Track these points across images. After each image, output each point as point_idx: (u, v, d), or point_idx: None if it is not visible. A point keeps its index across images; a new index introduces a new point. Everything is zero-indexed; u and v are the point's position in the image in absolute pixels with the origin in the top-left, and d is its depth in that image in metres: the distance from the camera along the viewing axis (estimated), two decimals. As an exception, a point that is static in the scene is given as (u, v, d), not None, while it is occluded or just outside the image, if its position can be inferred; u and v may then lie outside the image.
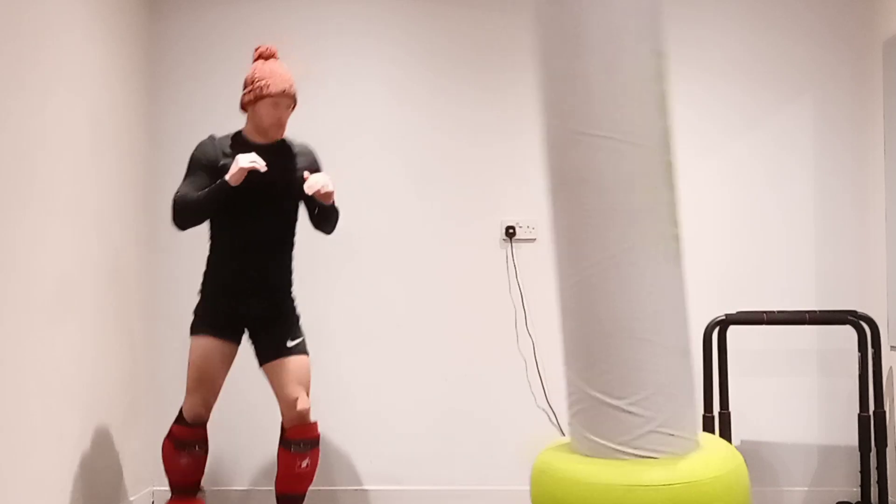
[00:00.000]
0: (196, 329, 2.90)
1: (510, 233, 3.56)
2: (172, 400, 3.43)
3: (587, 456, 2.01)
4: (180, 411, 2.92)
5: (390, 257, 3.61)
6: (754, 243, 3.55)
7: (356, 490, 3.55)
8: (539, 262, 3.55)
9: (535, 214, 3.56)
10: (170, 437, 2.92)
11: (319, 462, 3.20)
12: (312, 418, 2.92)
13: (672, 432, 1.93)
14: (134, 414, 3.47)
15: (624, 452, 1.93)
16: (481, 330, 3.59)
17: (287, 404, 2.84)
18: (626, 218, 1.91)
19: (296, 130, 3.49)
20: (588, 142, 1.91)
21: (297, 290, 3.18)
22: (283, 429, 2.88)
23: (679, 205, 1.98)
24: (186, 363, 3.27)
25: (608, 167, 1.91)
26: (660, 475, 1.86)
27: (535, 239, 3.57)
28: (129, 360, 3.43)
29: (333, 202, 2.85)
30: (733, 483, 1.92)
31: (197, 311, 2.93)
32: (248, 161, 2.72)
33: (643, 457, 1.92)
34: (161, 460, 3.02)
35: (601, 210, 1.91)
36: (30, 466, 2.66)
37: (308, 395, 2.89)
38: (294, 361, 2.87)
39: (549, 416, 3.53)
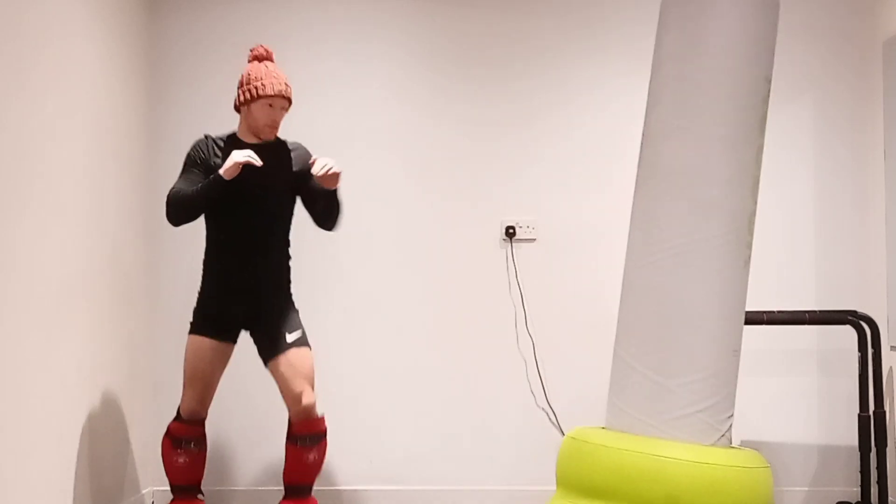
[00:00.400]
0: (192, 328, 2.94)
1: (510, 233, 3.57)
2: (172, 400, 3.43)
3: (623, 432, 2.09)
4: (178, 409, 2.96)
5: (390, 257, 3.62)
6: (755, 243, 3.46)
7: (356, 490, 3.56)
8: (539, 262, 3.60)
9: (534, 215, 3.59)
10: (167, 434, 2.95)
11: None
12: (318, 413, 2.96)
13: (711, 421, 2.01)
14: (133, 414, 3.47)
15: (662, 431, 2.00)
16: (481, 330, 3.60)
17: (292, 399, 2.86)
18: (709, 211, 2.02)
19: (297, 130, 3.49)
20: (689, 137, 2.04)
21: (296, 290, 3.17)
22: (289, 423, 2.90)
23: (755, 220, 2.10)
24: (178, 366, 3.27)
25: (704, 164, 2.04)
26: (690, 454, 1.93)
27: (534, 239, 3.58)
28: (129, 360, 3.44)
29: (337, 193, 2.86)
30: (760, 479, 1.98)
31: (195, 311, 2.97)
32: (244, 156, 2.73)
33: (680, 439, 1.99)
34: (161, 460, 3.04)
35: (688, 201, 2.03)
36: (29, 467, 2.67)
37: (313, 388, 2.91)
38: (295, 355, 2.89)
39: (548, 415, 3.54)
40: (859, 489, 3.37)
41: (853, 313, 3.24)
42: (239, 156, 2.73)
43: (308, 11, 3.66)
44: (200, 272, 3.35)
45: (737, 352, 2.08)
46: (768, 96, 2.11)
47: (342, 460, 3.56)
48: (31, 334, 2.69)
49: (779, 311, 3.25)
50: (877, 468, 3.22)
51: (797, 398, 3.54)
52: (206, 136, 2.99)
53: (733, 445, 2.18)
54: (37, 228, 2.74)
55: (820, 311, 3.31)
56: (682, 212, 2.02)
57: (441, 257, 3.61)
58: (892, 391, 3.34)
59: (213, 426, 3.43)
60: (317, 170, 2.77)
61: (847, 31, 3.56)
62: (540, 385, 3.54)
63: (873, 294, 3.49)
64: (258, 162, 2.73)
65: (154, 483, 3.56)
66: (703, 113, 2.04)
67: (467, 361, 3.59)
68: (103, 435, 3.20)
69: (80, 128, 3.07)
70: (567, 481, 2.11)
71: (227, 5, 3.66)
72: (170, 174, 3.52)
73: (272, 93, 2.86)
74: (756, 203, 2.07)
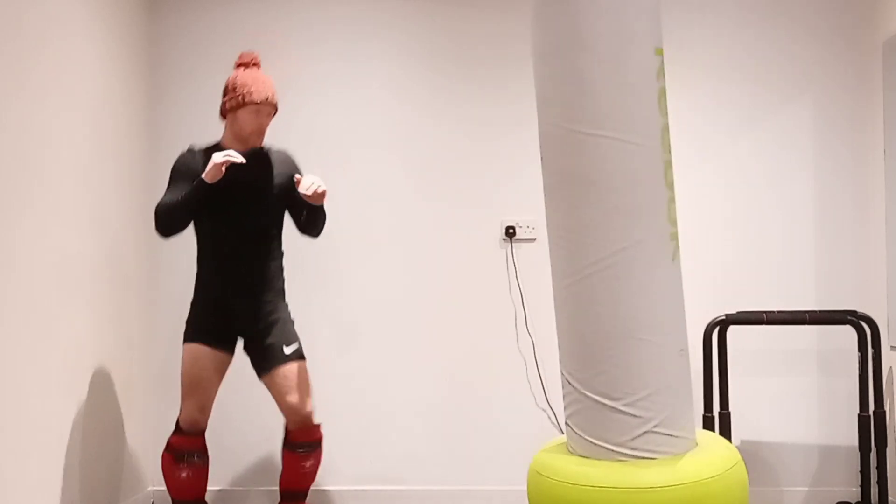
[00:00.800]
0: (187, 337, 2.92)
1: (510, 233, 3.58)
2: (170, 400, 3.47)
3: (584, 457, 2.00)
4: (177, 422, 2.93)
5: (391, 257, 3.63)
6: (754, 243, 3.57)
7: (356, 490, 3.57)
8: (539, 262, 3.57)
9: (534, 215, 3.57)
10: (168, 448, 2.91)
11: (322, 461, 3.22)
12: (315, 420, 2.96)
13: (669, 432, 1.92)
14: (133, 414, 3.49)
15: (621, 453, 1.92)
16: (481, 330, 3.61)
17: (291, 410, 2.87)
18: (626, 217, 1.89)
19: (297, 131, 3.59)
20: (587, 140, 1.88)
21: (298, 289, 3.20)
22: (286, 431, 2.90)
23: (675, 203, 1.96)
24: (178, 365, 3.26)
25: (608, 166, 1.88)
26: (658, 477, 1.86)
27: (535, 239, 3.59)
28: (128, 359, 3.45)
29: (322, 204, 2.87)
30: (732, 483, 1.92)
31: (188, 319, 2.95)
32: (223, 156, 2.71)
33: (640, 457, 1.92)
34: (160, 466, 3.02)
35: (600, 209, 1.89)
36: (28, 466, 2.67)
37: (310, 397, 2.92)
38: (293, 368, 2.89)
39: (548, 415, 3.55)
40: (859, 489, 3.36)
41: (853, 313, 3.23)
42: (218, 157, 2.71)
43: (308, 12, 3.67)
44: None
45: (683, 350, 1.98)
46: (662, 68, 1.95)
47: (343, 461, 3.57)
48: (30, 332, 2.71)
49: (778, 311, 3.25)
50: (877, 468, 3.22)
51: (797, 398, 3.54)
52: (190, 148, 2.98)
53: (703, 438, 2.12)
54: (36, 227, 2.75)
55: (820, 311, 3.31)
56: (596, 221, 1.90)
57: (441, 257, 3.62)
58: (892, 391, 3.33)
59: (212, 426, 3.38)
60: (303, 188, 2.77)
61: (847, 31, 3.56)
62: (540, 385, 3.55)
63: (873, 294, 3.49)
64: (239, 159, 2.71)
65: (154, 483, 3.57)
66: (594, 109, 1.88)
67: (467, 361, 3.60)
68: (102, 434, 3.21)
69: (80, 127, 3.09)
70: None
71: (226, 6, 3.67)
72: (168, 172, 3.48)
73: (259, 99, 2.85)
74: (672, 189, 1.95)
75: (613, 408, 1.92)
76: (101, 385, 3.21)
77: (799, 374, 3.55)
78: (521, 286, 3.59)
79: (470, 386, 3.59)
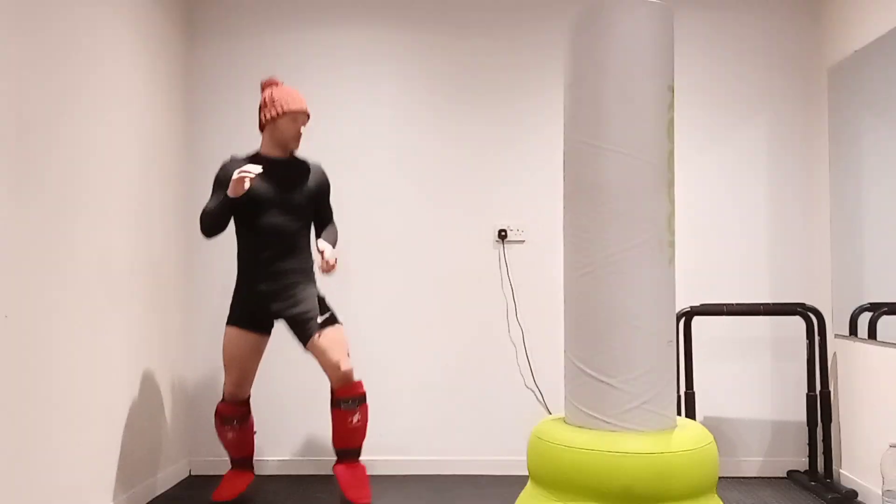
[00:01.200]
0: (228, 321, 3.11)
1: (502, 235, 3.67)
2: (205, 380, 3.68)
3: (579, 427, 2.09)
4: (223, 392, 3.17)
5: (397, 256, 3.70)
6: (716, 244, 3.65)
7: (369, 460, 3.66)
8: (527, 260, 3.69)
9: (524, 219, 3.70)
10: (216, 413, 3.15)
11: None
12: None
13: (655, 410, 2.03)
14: (171, 395, 3.57)
15: (613, 424, 2.03)
16: (477, 320, 3.68)
17: (332, 368, 2.96)
18: (632, 222, 2.02)
19: (316, 142, 3.70)
20: (604, 154, 2.04)
21: (319, 286, 3.30)
22: (332, 391, 3.02)
23: (674, 221, 2.08)
24: (220, 348, 3.49)
25: (621, 177, 2.02)
26: (643, 445, 1.93)
27: (524, 241, 3.69)
28: (168, 347, 3.54)
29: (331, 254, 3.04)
30: (706, 457, 1.99)
31: (230, 306, 3.12)
32: (239, 173, 2.80)
33: (629, 429, 2.02)
34: (197, 435, 3.21)
35: (610, 213, 2.02)
36: (82, 441, 2.78)
37: (348, 357, 3.02)
38: (330, 332, 2.99)
39: (535, 395, 3.65)
40: (807, 459, 3.55)
41: (802, 305, 3.38)
42: (236, 173, 2.83)
43: (325, 42, 3.75)
44: (232, 272, 3.51)
45: (671, 341, 2.07)
46: (673, 103, 2.10)
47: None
48: (83, 323, 2.80)
49: (736, 304, 3.38)
50: (822, 441, 3.39)
51: (753, 380, 3.63)
52: (232, 157, 3.08)
53: (681, 421, 2.21)
54: (88, 230, 2.84)
55: (773, 304, 3.40)
56: (607, 224, 2.03)
57: (442, 256, 3.69)
58: (836, 374, 3.45)
59: (265, 402, 3.65)
60: (321, 264, 2.97)
61: (796, 60, 3.65)
62: (528, 368, 3.64)
63: (819, 288, 3.60)
64: (256, 171, 2.81)
65: (190, 455, 3.72)
66: (614, 130, 2.03)
67: (465, 348, 3.65)
68: (144, 412, 3.29)
69: (127, 144, 3.14)
70: (536, 476, 2.12)
71: (254, 37, 3.76)
72: (204, 183, 3.73)
73: (297, 108, 3.01)
74: (673, 204, 2.08)
75: (609, 384, 2.02)
76: (145, 370, 3.29)
77: (754, 359, 3.64)
78: (511, 282, 3.68)
79: (467, 369, 3.65)
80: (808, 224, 3.67)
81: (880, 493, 3.01)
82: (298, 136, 3.09)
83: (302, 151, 3.78)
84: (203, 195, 3.80)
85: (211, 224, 2.97)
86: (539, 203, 3.73)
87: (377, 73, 3.77)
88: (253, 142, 3.80)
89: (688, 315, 3.37)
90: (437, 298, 3.70)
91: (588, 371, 2.06)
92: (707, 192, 3.69)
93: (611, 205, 2.04)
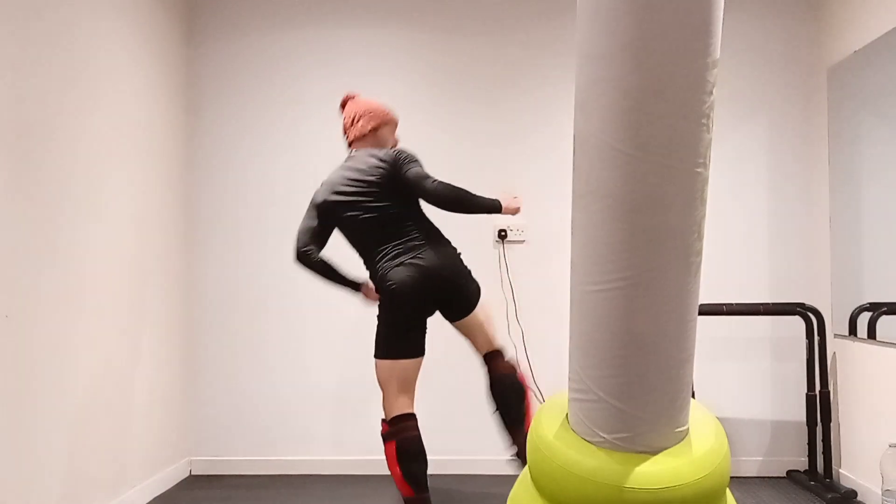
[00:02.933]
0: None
1: (502, 235, 3.70)
2: (206, 380, 3.70)
3: (585, 440, 1.93)
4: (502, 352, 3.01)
5: None
6: (716, 244, 3.62)
7: (372, 459, 3.64)
8: (527, 261, 3.71)
9: (524, 219, 3.69)
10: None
11: (340, 436, 3.42)
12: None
13: (669, 430, 1.87)
14: (174, 394, 3.61)
15: (621, 447, 1.86)
16: None
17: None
18: (660, 237, 1.67)
19: (315, 138, 3.70)
20: (624, 158, 1.63)
21: (318, 284, 3.28)
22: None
23: (705, 222, 1.75)
24: (221, 347, 3.49)
25: (645, 188, 1.64)
26: (653, 477, 1.81)
27: (524, 241, 3.72)
28: (169, 345, 3.56)
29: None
30: (717, 476, 1.90)
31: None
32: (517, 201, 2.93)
33: (638, 451, 1.86)
34: (199, 434, 3.20)
35: (634, 227, 1.67)
36: (83, 438, 2.81)
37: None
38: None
39: (536, 394, 3.62)
40: (807, 459, 3.56)
41: (801, 305, 3.41)
42: (515, 202, 2.91)
43: (325, 41, 3.78)
44: (230, 271, 3.56)
45: (691, 357, 1.85)
46: (715, 82, 1.61)
47: (360, 434, 3.69)
48: (83, 323, 2.83)
49: (736, 304, 3.40)
50: (822, 441, 3.42)
51: (753, 380, 3.64)
52: (323, 182, 2.94)
53: (695, 420, 2.04)
54: (88, 230, 2.87)
55: (773, 304, 3.43)
56: (628, 238, 1.68)
57: None
58: (836, 373, 3.47)
59: (270, 402, 3.68)
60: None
61: (796, 60, 3.67)
62: (528, 368, 3.62)
63: (819, 288, 3.60)
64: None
65: (190, 455, 3.74)
66: (637, 129, 1.60)
67: (465, 346, 3.48)
68: (144, 412, 3.31)
69: (127, 142, 3.16)
70: (539, 487, 2.02)
71: (254, 36, 3.78)
72: (204, 183, 3.74)
73: (397, 118, 3.06)
74: (706, 203, 1.72)
75: (620, 409, 1.83)
76: (145, 370, 3.31)
77: (754, 359, 3.66)
78: (511, 282, 3.69)
79: (468, 369, 3.59)
80: (808, 224, 3.69)
81: (880, 492, 3.02)
82: (396, 144, 3.09)
83: (301, 149, 3.83)
84: (203, 194, 3.82)
85: (463, 207, 2.86)
86: (539, 203, 3.73)
87: (377, 73, 3.80)
88: (253, 141, 3.82)
89: (688, 315, 3.35)
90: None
91: (597, 391, 1.86)
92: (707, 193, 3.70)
93: (634, 217, 1.67)
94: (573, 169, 1.82)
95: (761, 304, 3.42)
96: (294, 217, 3.53)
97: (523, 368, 3.60)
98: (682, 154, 1.62)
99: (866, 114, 3.23)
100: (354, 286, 2.97)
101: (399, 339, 2.82)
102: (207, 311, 3.78)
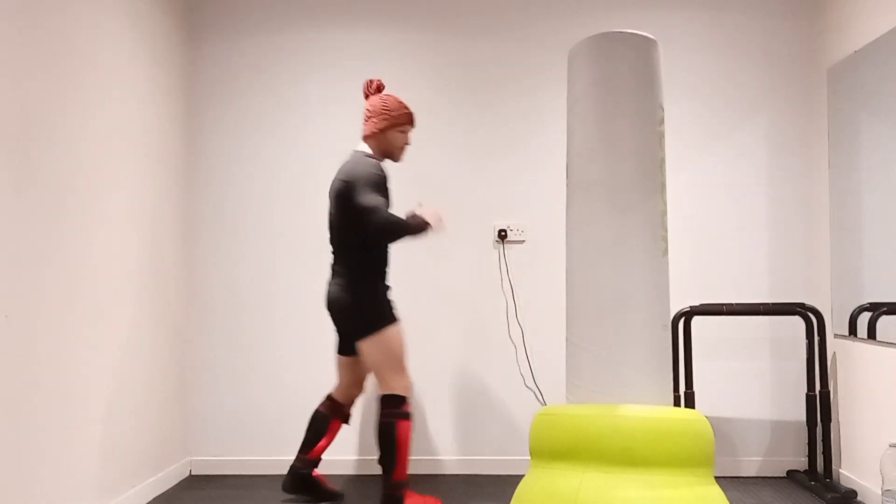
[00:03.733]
0: (390, 319, 2.95)
1: (502, 235, 3.69)
2: (206, 380, 3.70)
3: (581, 403, 2.20)
4: (401, 394, 2.92)
5: (398, 256, 3.71)
6: (716, 243, 3.66)
7: (368, 460, 3.69)
8: (528, 260, 3.71)
9: (523, 220, 3.72)
10: (408, 416, 2.93)
11: (340, 435, 3.41)
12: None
13: (652, 384, 2.16)
14: (173, 393, 3.60)
15: (613, 397, 2.15)
16: (477, 319, 3.69)
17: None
18: (628, 213, 2.19)
19: (315, 141, 3.70)
20: (605, 158, 2.24)
21: (321, 286, 3.31)
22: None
23: (666, 219, 2.30)
24: (221, 347, 3.47)
25: (619, 177, 2.22)
26: (642, 410, 2.06)
27: (524, 241, 3.72)
28: (168, 344, 3.55)
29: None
30: (701, 429, 2.08)
31: (383, 305, 2.96)
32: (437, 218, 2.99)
33: (629, 401, 2.14)
34: (192, 435, 3.17)
35: (611, 207, 2.21)
36: (83, 438, 2.80)
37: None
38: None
39: (535, 394, 3.66)
40: (807, 459, 3.57)
41: (801, 305, 3.40)
42: (434, 218, 2.93)
43: (325, 41, 3.78)
44: (229, 266, 3.52)
45: (666, 326, 2.23)
46: (663, 119, 2.34)
47: (361, 434, 3.70)
48: (83, 323, 2.82)
49: (736, 304, 3.39)
50: (822, 441, 3.41)
51: (752, 379, 3.64)
52: (375, 160, 2.95)
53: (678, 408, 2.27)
54: (88, 231, 2.86)
55: (772, 304, 3.41)
56: (606, 214, 2.22)
57: (443, 256, 3.71)
58: (836, 373, 3.46)
59: (271, 402, 3.69)
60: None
61: (796, 59, 3.67)
62: (528, 368, 3.65)
63: (819, 288, 3.62)
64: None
65: (190, 455, 3.74)
66: (616, 136, 2.25)
67: (465, 347, 3.66)
68: (144, 412, 3.30)
69: (127, 141, 3.15)
70: (539, 451, 2.21)
71: (254, 36, 3.78)
72: (205, 183, 3.74)
73: (414, 121, 3.03)
74: (665, 204, 2.28)
75: (611, 358, 2.15)
76: (145, 370, 3.30)
77: (754, 359, 3.65)
78: (511, 282, 3.70)
79: (467, 369, 3.66)
80: (808, 224, 3.68)
81: (880, 492, 3.02)
82: (405, 147, 3.13)
83: (300, 151, 3.82)
84: (203, 193, 3.82)
85: (397, 238, 2.90)
86: (539, 203, 3.75)
87: (377, 73, 3.80)
88: (253, 141, 3.81)
89: (687, 315, 3.38)
90: (437, 298, 3.72)
91: (588, 348, 2.19)
92: (707, 192, 3.71)
93: (610, 199, 2.21)
94: (567, 176, 2.34)
95: (761, 304, 3.42)
96: (294, 217, 3.68)
97: (523, 369, 3.67)
98: (643, 158, 2.28)
99: (866, 114, 3.23)
100: (420, 227, 2.93)
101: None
102: (207, 311, 3.77)
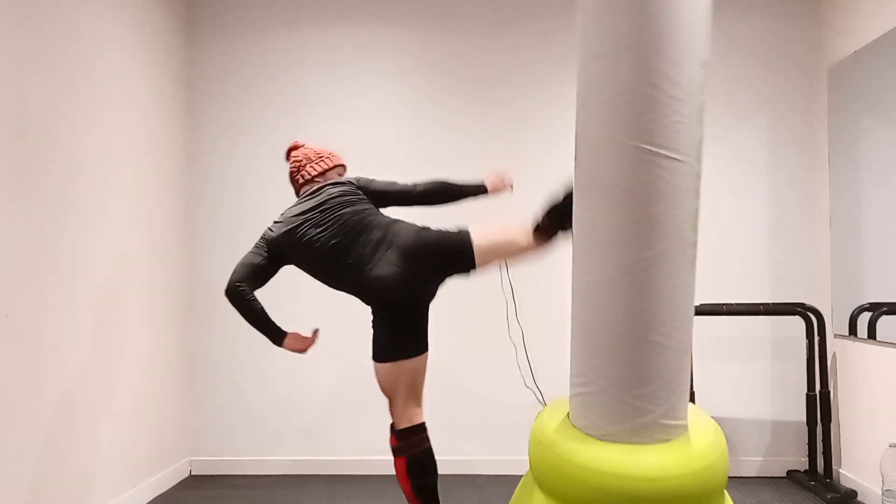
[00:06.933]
0: None
1: None
2: (206, 380, 3.72)
3: (586, 433, 1.94)
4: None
5: None
6: (716, 243, 3.67)
7: (371, 460, 3.70)
8: (527, 260, 3.61)
9: (523, 219, 3.68)
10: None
11: (339, 436, 3.39)
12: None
13: (668, 422, 1.89)
14: (173, 393, 3.62)
15: (621, 436, 1.88)
16: (477, 319, 3.69)
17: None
18: (654, 228, 1.76)
19: (316, 140, 3.50)
20: (626, 150, 1.73)
21: (320, 285, 3.25)
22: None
23: (699, 216, 1.86)
24: (221, 347, 3.48)
25: (645, 178, 1.74)
26: (653, 468, 1.81)
27: None
28: (169, 345, 3.58)
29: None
30: (716, 468, 1.90)
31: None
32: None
33: (638, 442, 1.88)
34: (196, 434, 3.19)
35: (631, 217, 1.76)
36: (83, 439, 2.83)
37: None
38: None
39: (535, 395, 3.53)
40: (807, 459, 3.58)
41: (802, 305, 3.42)
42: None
43: (325, 41, 3.80)
44: (230, 267, 3.57)
45: (689, 349, 1.89)
46: (706, 84, 1.79)
47: (359, 435, 3.71)
48: (83, 324, 2.84)
49: (736, 304, 3.41)
50: (822, 441, 3.43)
51: (753, 379, 3.66)
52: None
53: (693, 417, 2.04)
54: (88, 231, 2.88)
55: (773, 304, 3.45)
56: (626, 228, 1.77)
57: None
58: (836, 373, 3.48)
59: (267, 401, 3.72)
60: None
61: (796, 60, 3.69)
62: (528, 368, 3.55)
63: (819, 288, 3.63)
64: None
65: (190, 455, 3.76)
66: (638, 123, 1.71)
67: (465, 347, 3.66)
68: (144, 412, 3.33)
69: (127, 141, 3.18)
70: (539, 482, 2.02)
71: (254, 36, 3.80)
72: (204, 182, 3.75)
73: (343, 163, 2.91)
74: (699, 198, 1.84)
75: (621, 399, 1.85)
76: (145, 370, 3.32)
77: (754, 359, 3.67)
78: (511, 282, 3.54)
79: (467, 369, 3.66)
80: (808, 224, 3.71)
81: (880, 492, 3.03)
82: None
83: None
84: (203, 193, 3.84)
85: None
86: (539, 202, 3.68)
87: (376, 73, 3.82)
88: (253, 141, 3.84)
89: (688, 315, 3.36)
90: (437, 298, 3.55)
91: (598, 381, 1.89)
92: (707, 192, 3.52)
93: (631, 207, 1.76)
94: (575, 165, 1.89)
95: (761, 304, 3.44)
96: (294, 217, 3.72)
97: (523, 369, 3.60)
98: (677, 147, 1.75)
99: (866, 114, 3.24)
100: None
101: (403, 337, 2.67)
102: (207, 311, 3.79)
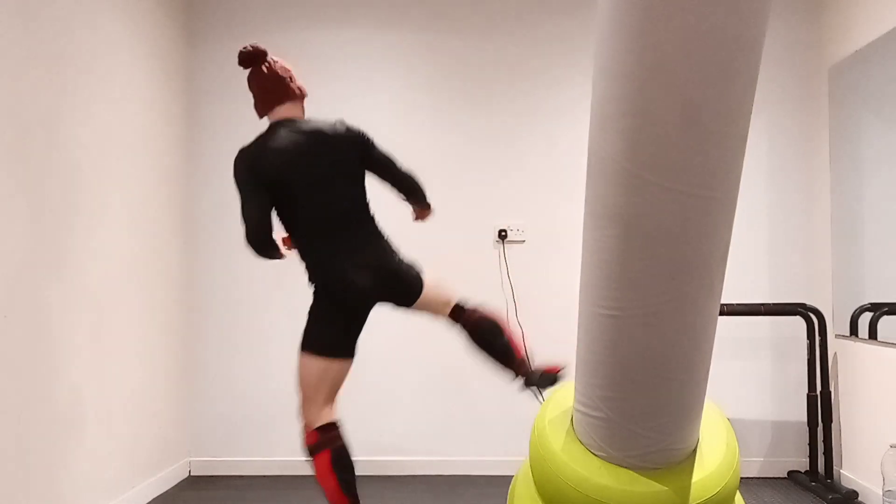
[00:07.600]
0: None
1: (502, 235, 3.73)
2: (206, 380, 3.72)
3: (592, 453, 1.89)
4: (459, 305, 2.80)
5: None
6: None
7: (369, 460, 3.64)
8: (528, 260, 3.73)
9: (524, 219, 3.74)
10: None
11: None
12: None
13: (677, 447, 1.82)
14: (174, 393, 3.62)
15: (627, 462, 1.83)
16: None
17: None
18: (683, 268, 1.54)
19: None
20: (650, 188, 1.45)
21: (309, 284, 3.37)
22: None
23: (727, 255, 1.62)
24: (221, 347, 3.48)
25: (671, 219, 1.47)
26: (664, 499, 1.78)
27: (524, 241, 3.74)
28: (168, 345, 3.58)
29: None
30: (728, 491, 1.86)
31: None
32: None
33: (646, 468, 1.83)
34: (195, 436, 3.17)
35: (655, 256, 1.53)
36: (83, 439, 2.83)
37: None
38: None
39: (535, 394, 3.49)
40: (808, 460, 3.57)
41: (802, 305, 3.43)
42: None
43: (325, 41, 3.81)
44: (231, 269, 3.55)
45: (704, 378, 1.75)
46: (751, 108, 1.48)
47: (357, 434, 3.53)
48: (82, 324, 2.84)
49: (737, 304, 3.40)
50: (823, 441, 3.43)
51: (754, 380, 3.66)
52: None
53: (706, 423, 1.99)
54: (88, 231, 2.89)
55: (773, 304, 3.45)
56: (647, 270, 1.54)
57: (444, 256, 3.68)
58: (837, 374, 3.48)
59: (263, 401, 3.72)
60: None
61: (797, 59, 3.69)
62: (528, 368, 3.56)
63: (820, 288, 3.63)
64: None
65: (190, 455, 3.76)
66: (665, 156, 1.39)
67: (464, 347, 3.47)
68: (144, 413, 3.33)
69: (126, 142, 3.18)
70: (543, 495, 1.99)
71: (254, 36, 3.74)
72: (204, 182, 3.75)
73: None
74: (730, 239, 1.60)
75: (630, 429, 1.78)
76: (144, 370, 3.33)
77: (755, 359, 3.68)
78: (511, 281, 3.71)
79: (466, 370, 3.59)
80: (808, 224, 3.71)
81: (881, 493, 3.02)
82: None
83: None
84: (202, 193, 3.83)
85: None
86: (539, 203, 3.76)
87: (377, 73, 3.83)
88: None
89: (688, 315, 3.34)
90: None
91: (606, 410, 1.80)
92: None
93: (655, 249, 1.52)
94: (587, 186, 1.67)
95: (762, 304, 3.44)
96: (294, 217, 3.73)
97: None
98: (713, 183, 1.45)
99: (867, 113, 3.24)
100: None
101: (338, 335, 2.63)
102: (207, 311, 3.79)
